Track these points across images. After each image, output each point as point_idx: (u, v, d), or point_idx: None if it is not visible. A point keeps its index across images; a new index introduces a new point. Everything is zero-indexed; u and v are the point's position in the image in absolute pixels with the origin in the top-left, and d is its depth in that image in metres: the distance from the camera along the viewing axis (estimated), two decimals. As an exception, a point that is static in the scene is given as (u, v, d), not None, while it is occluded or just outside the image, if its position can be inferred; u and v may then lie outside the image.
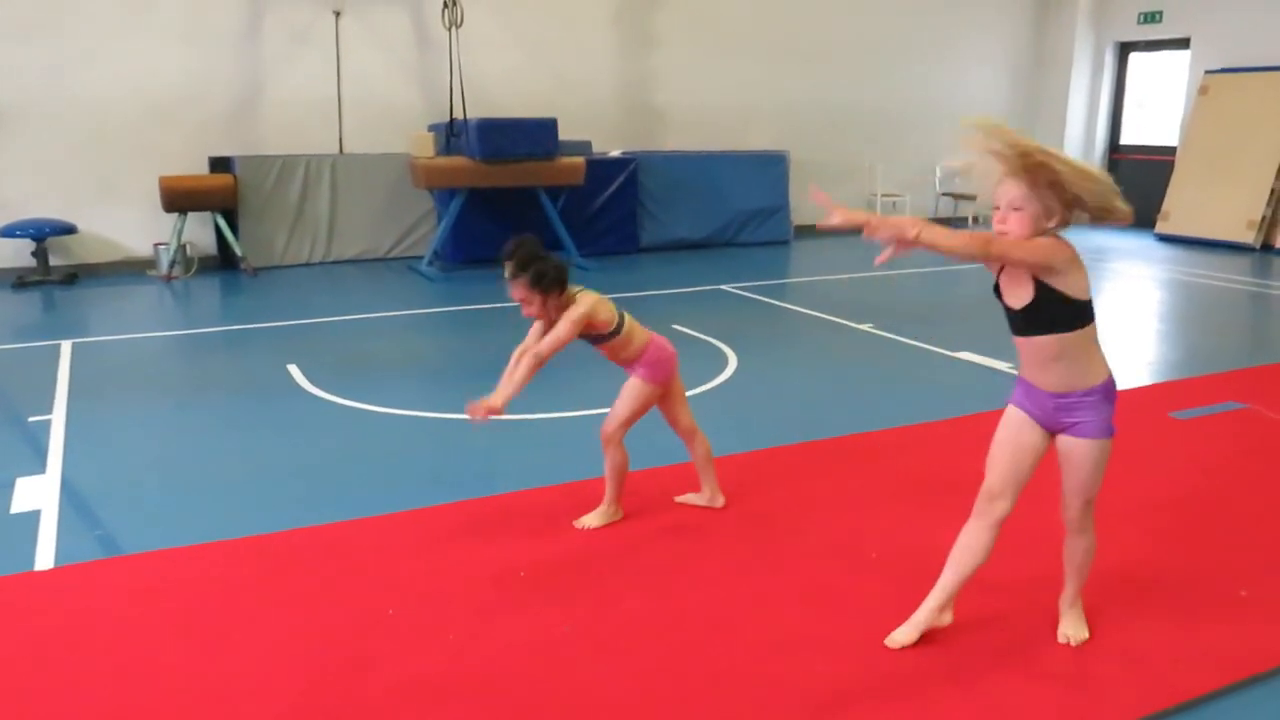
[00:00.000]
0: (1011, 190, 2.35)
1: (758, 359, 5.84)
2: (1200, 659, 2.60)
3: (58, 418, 4.72)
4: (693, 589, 3.00)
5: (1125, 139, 12.93)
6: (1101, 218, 2.34)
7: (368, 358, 5.97)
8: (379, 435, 4.55)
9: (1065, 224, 2.38)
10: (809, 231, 11.50)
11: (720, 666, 2.57)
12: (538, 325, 3.23)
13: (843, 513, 3.54)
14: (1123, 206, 2.32)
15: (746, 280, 8.54)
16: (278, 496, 3.82)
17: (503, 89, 9.66)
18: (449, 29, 9.02)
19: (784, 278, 9.40)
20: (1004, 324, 2.53)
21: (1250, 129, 10.66)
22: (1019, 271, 2.40)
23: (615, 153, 10.13)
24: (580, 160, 9.11)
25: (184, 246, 8.66)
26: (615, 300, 3.35)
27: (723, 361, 5.72)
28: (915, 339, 6.25)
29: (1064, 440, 2.51)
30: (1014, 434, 2.54)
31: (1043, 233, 2.36)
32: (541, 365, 3.15)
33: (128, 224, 8.82)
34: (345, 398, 5.02)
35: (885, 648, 2.62)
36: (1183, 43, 11.87)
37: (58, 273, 8.40)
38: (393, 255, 9.65)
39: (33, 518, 3.56)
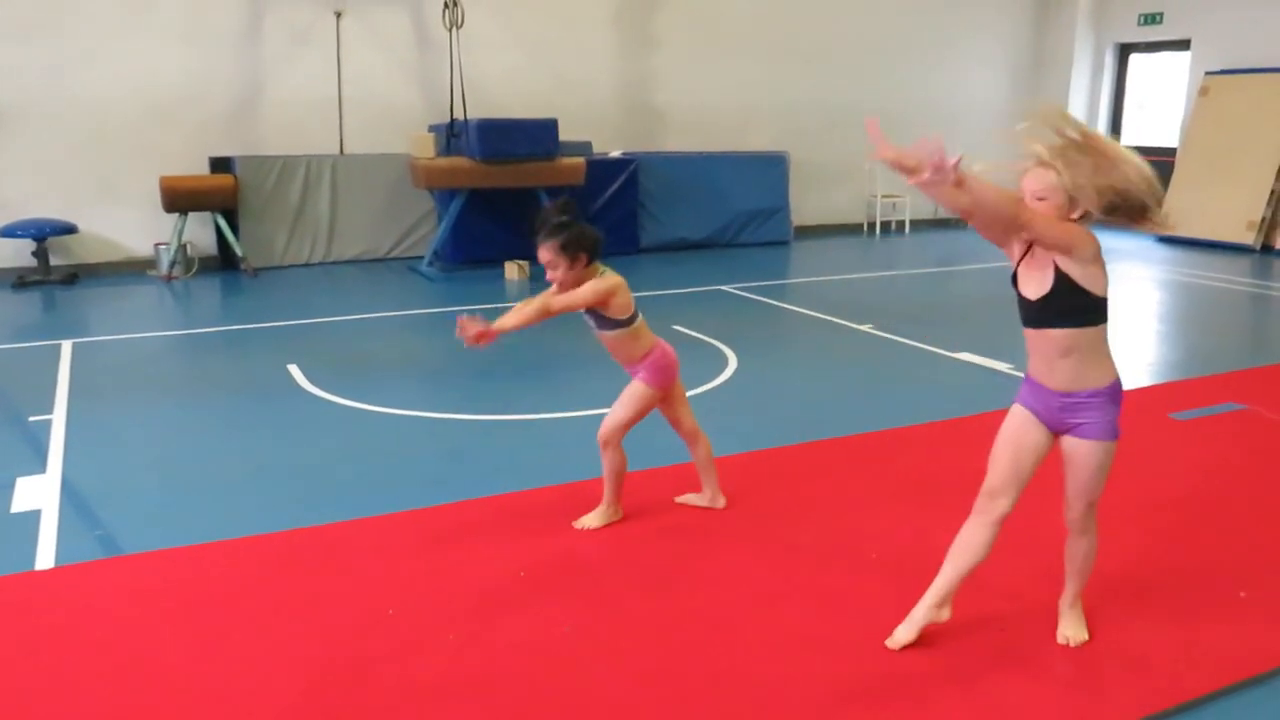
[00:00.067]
0: (1038, 180, 2.34)
1: (758, 360, 5.84)
2: (1200, 660, 2.60)
3: (58, 418, 4.72)
4: (693, 589, 3.00)
5: (1125, 140, 12.91)
6: (1137, 220, 2.33)
7: (368, 358, 5.97)
8: (379, 435, 4.55)
9: (1089, 220, 2.37)
10: (809, 232, 11.52)
11: (720, 667, 2.57)
12: (557, 286, 3.18)
13: (843, 513, 3.54)
14: (1162, 214, 2.33)
15: (746, 281, 8.54)
16: (278, 496, 3.82)
17: (503, 89, 9.67)
18: (449, 29, 9.02)
19: (784, 278, 9.40)
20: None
21: (1250, 130, 10.66)
22: (1041, 260, 2.39)
23: (615, 153, 10.13)
24: (580, 161, 9.11)
25: (184, 247, 8.66)
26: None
27: (723, 362, 5.72)
28: (915, 339, 6.25)
29: (1068, 441, 2.51)
30: (1018, 432, 2.54)
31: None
32: (548, 316, 3.08)
33: (128, 224, 8.82)
34: (345, 398, 5.03)
35: (885, 648, 2.62)
36: (1183, 44, 11.87)
37: (58, 273, 8.40)
38: (393, 256, 9.65)
39: (33, 517, 3.56)
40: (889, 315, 6.97)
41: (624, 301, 3.20)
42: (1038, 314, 2.44)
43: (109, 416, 4.78)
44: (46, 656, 2.63)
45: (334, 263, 9.34)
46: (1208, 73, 11.34)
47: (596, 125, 10.21)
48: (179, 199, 8.49)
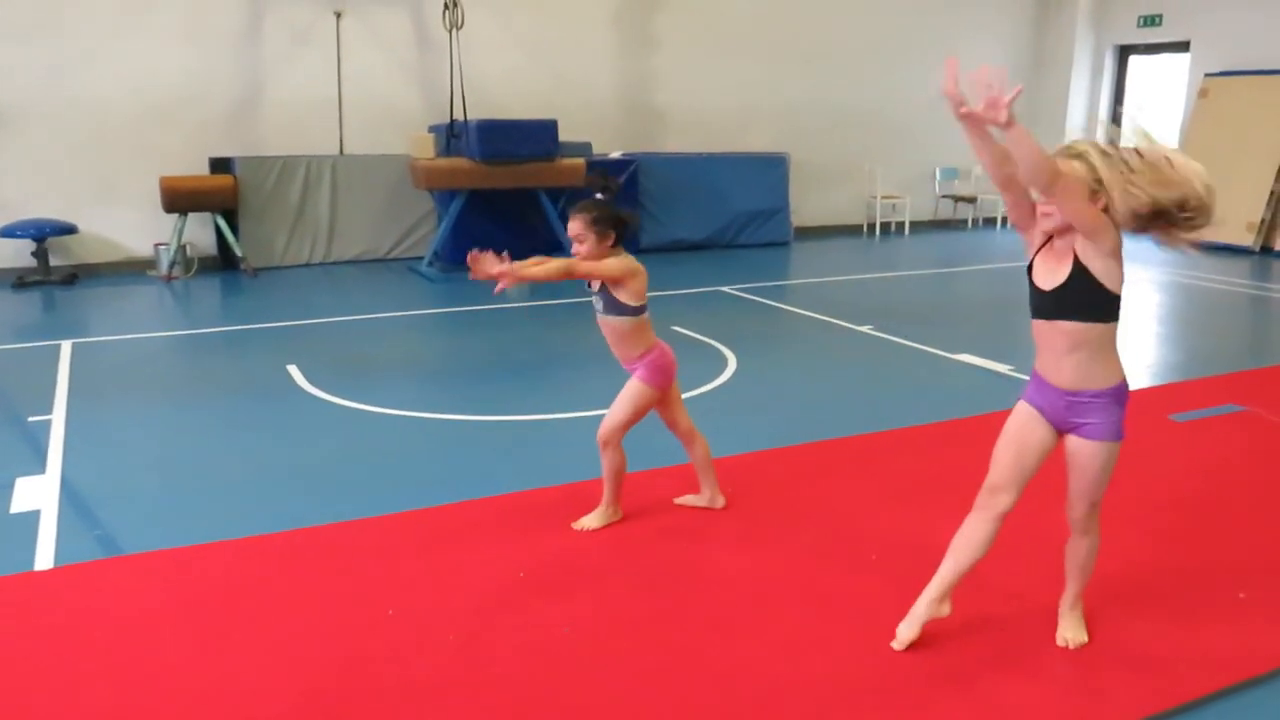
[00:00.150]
0: (1064, 168, 2.33)
1: (757, 360, 5.84)
2: (1199, 661, 2.60)
3: (58, 418, 4.72)
4: (693, 590, 3.00)
5: (1125, 142, 12.90)
6: (1183, 228, 2.32)
7: (368, 358, 5.97)
8: (379, 435, 4.55)
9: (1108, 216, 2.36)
10: (809, 233, 11.52)
11: (720, 667, 2.57)
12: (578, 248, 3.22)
13: (842, 513, 3.54)
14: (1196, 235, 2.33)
15: (746, 282, 8.55)
16: (278, 496, 3.82)
17: (503, 90, 9.67)
18: (449, 30, 9.03)
19: (784, 279, 9.40)
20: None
21: (1250, 132, 10.67)
22: (1060, 251, 2.38)
23: (615, 154, 10.14)
24: (580, 161, 9.11)
25: (184, 247, 8.67)
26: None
27: (722, 363, 5.72)
28: (915, 341, 6.25)
29: (1072, 441, 2.50)
30: (1022, 428, 2.54)
31: None
32: (569, 277, 3.15)
33: (128, 224, 8.82)
34: (345, 398, 5.03)
35: (885, 648, 2.62)
36: (1182, 46, 11.87)
37: (58, 273, 8.40)
38: (393, 256, 9.65)
39: (33, 518, 3.56)
40: (889, 316, 6.97)
41: (640, 288, 3.24)
42: (1051, 305, 2.42)
43: (109, 416, 4.78)
44: (46, 656, 2.62)
45: (334, 263, 9.34)
46: (1207, 74, 11.35)
47: (596, 126, 10.22)
48: (179, 199, 8.49)
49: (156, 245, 8.72)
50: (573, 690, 2.48)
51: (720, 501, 3.57)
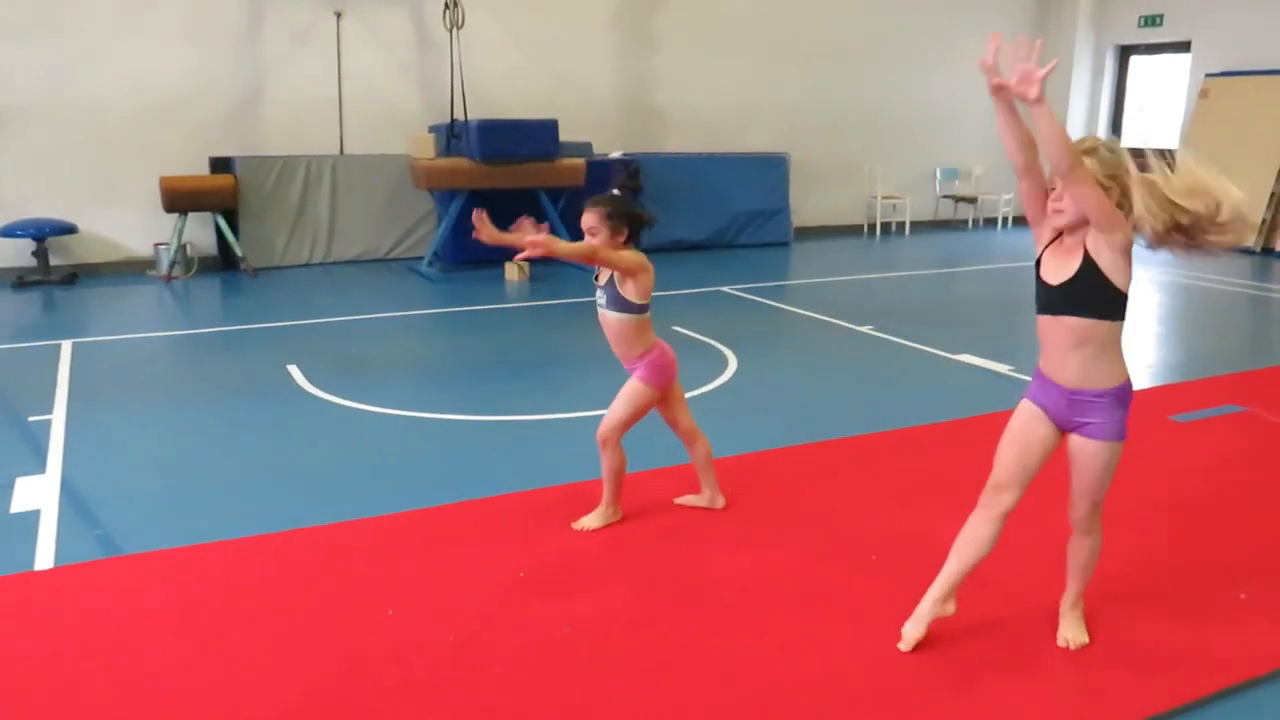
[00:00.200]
0: None
1: (758, 361, 5.84)
2: (1200, 661, 2.60)
3: (58, 418, 4.71)
4: (693, 590, 3.00)
5: (1125, 142, 12.94)
6: (1204, 236, 2.33)
7: (368, 358, 5.97)
8: (379, 435, 4.55)
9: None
10: (809, 233, 11.52)
11: (720, 667, 2.57)
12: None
13: (843, 514, 3.54)
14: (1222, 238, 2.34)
15: (747, 282, 8.55)
16: (278, 496, 3.82)
17: (503, 90, 9.67)
18: (450, 30, 9.02)
19: (784, 279, 9.40)
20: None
21: (1250, 132, 10.67)
22: (1070, 247, 2.38)
23: (616, 154, 10.13)
24: (581, 162, 9.12)
25: (184, 247, 8.66)
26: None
27: (723, 363, 5.72)
28: (915, 341, 6.25)
29: (1075, 440, 2.50)
30: (1025, 427, 2.53)
31: None
32: (589, 261, 3.18)
33: (128, 224, 8.82)
34: (345, 398, 5.02)
35: (885, 648, 2.62)
36: (1183, 46, 11.88)
37: (58, 273, 8.40)
38: (393, 256, 9.65)
39: (33, 518, 3.56)
40: (889, 316, 6.97)
41: (647, 285, 3.25)
42: (1057, 299, 2.41)
43: (109, 416, 4.78)
44: (46, 656, 2.62)
45: (334, 263, 9.34)
46: (1208, 75, 11.35)
47: (596, 126, 10.22)
48: (179, 199, 8.49)
49: (156, 245, 8.72)
50: (573, 690, 2.48)
51: (720, 502, 3.57)
